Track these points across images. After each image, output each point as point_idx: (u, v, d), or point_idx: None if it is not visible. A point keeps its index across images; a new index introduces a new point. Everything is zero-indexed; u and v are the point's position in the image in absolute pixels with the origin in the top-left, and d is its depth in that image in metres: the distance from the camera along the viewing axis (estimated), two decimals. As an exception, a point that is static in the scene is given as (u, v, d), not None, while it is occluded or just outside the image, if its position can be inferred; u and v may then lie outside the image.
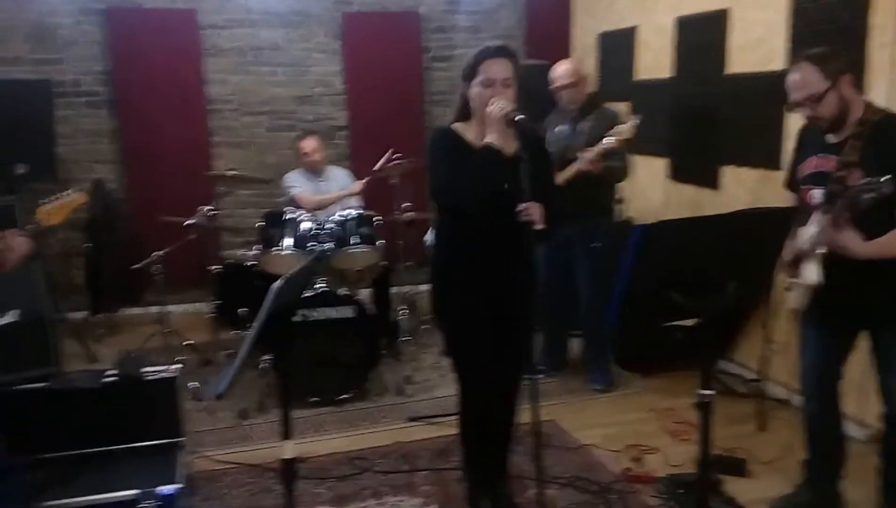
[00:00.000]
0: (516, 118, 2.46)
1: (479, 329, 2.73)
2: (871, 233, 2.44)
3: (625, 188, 5.21)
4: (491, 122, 2.50)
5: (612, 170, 3.93)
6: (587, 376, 4.34)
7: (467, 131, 2.66)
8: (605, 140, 3.80)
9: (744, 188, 4.39)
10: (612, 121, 3.87)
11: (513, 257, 2.59)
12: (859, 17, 3.50)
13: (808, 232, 2.62)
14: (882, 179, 2.24)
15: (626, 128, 3.78)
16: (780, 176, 4.04)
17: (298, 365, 3.95)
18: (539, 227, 2.44)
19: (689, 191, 4.90)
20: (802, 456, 3.12)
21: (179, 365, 3.25)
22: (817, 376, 2.80)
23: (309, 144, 4.82)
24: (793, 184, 2.84)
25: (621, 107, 4.71)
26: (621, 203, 5.18)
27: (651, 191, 5.28)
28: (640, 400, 4.13)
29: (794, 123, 3.95)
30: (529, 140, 2.53)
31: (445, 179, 2.59)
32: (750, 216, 2.28)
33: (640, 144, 5.27)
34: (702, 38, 4.67)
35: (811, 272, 2.62)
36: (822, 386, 2.82)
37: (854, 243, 2.43)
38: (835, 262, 2.54)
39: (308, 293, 4.02)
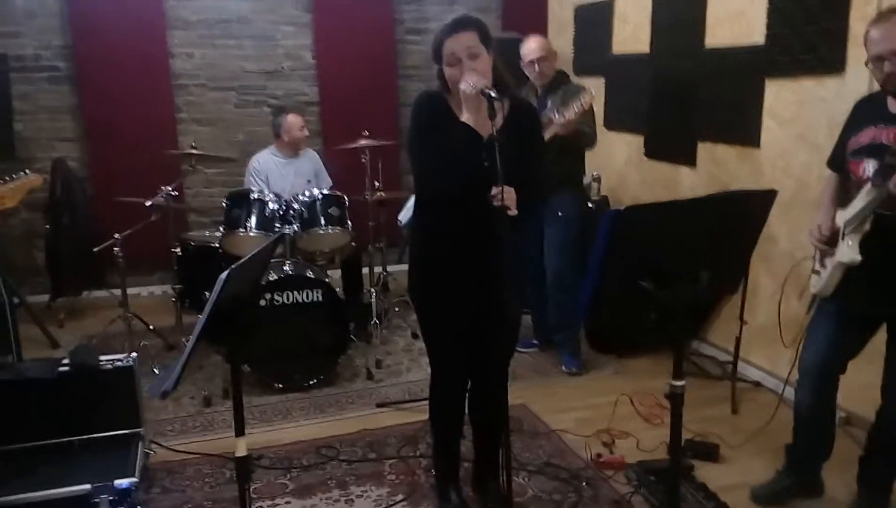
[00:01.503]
0: (492, 95, 2.29)
1: (454, 314, 2.64)
2: None
3: (600, 166, 5.14)
4: (465, 99, 2.38)
5: (582, 134, 3.88)
6: (558, 358, 4.26)
7: (454, 105, 2.54)
8: (571, 107, 3.73)
9: (721, 166, 4.31)
10: (577, 93, 3.79)
11: (490, 241, 2.49)
12: (840, -11, 3.40)
13: (853, 208, 2.53)
14: None
15: (584, 100, 3.71)
16: (759, 154, 4.01)
17: (264, 350, 3.85)
18: (512, 213, 2.34)
19: (665, 169, 4.81)
20: (775, 441, 3.09)
21: (136, 354, 3.13)
22: (821, 367, 2.72)
23: (296, 120, 4.65)
24: (836, 161, 2.73)
25: (596, 85, 4.60)
26: (598, 181, 5.10)
27: (626, 169, 5.19)
28: (613, 383, 4.06)
29: (773, 98, 3.88)
30: (513, 106, 2.42)
31: (426, 148, 2.48)
32: (727, 200, 2.18)
33: (616, 120, 5.22)
34: (680, 11, 4.55)
35: (850, 251, 2.53)
36: (822, 378, 2.74)
37: None
38: (875, 241, 2.46)
39: (274, 276, 3.91)
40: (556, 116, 3.72)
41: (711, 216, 2.15)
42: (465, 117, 2.40)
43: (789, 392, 3.00)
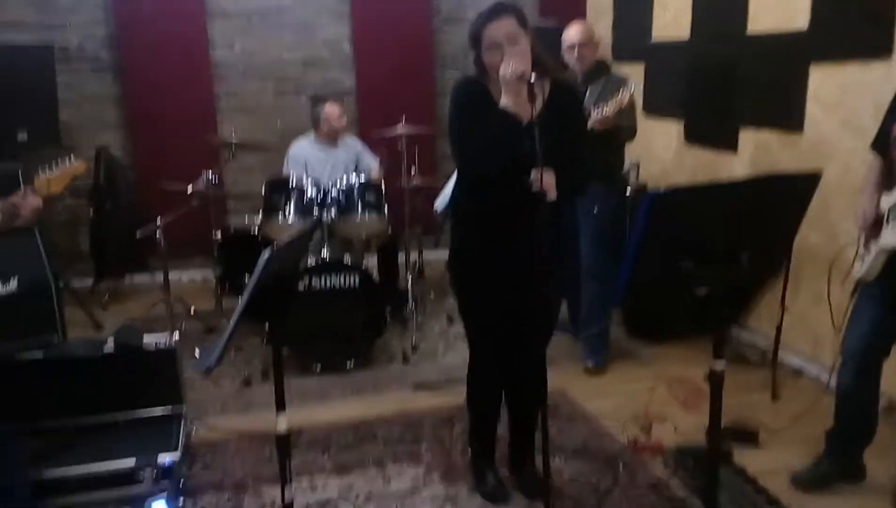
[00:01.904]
0: (531, 80, 2.30)
1: (494, 295, 2.65)
2: None
3: (639, 153, 5.09)
4: (504, 84, 2.39)
5: (619, 130, 3.82)
6: (581, 351, 4.17)
7: (494, 89, 2.54)
8: (611, 103, 3.68)
9: (763, 151, 4.24)
10: (618, 87, 3.73)
11: (528, 224, 2.49)
12: (890, -29, 3.32)
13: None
14: None
15: (624, 95, 3.64)
16: (802, 140, 3.94)
17: (303, 333, 3.90)
18: (552, 197, 2.33)
19: (706, 155, 4.75)
20: (816, 427, 3.04)
21: (177, 335, 3.19)
22: (863, 350, 2.69)
23: (334, 109, 4.68)
24: (880, 144, 2.69)
25: (626, 72, 4.54)
26: (636, 168, 5.05)
27: (666, 155, 5.13)
28: (651, 369, 4.04)
29: (817, 83, 3.81)
30: (555, 89, 2.41)
31: (467, 132, 2.50)
32: (768, 182, 2.13)
33: (656, 106, 5.17)
34: (721, -5, 4.49)
35: (893, 236, 2.51)
36: (866, 362, 2.71)
37: None
38: None
39: (312, 261, 3.96)
40: (594, 110, 3.67)
41: (752, 198, 2.12)
42: (504, 102, 2.40)
43: (831, 381, 2.95)
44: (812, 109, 3.88)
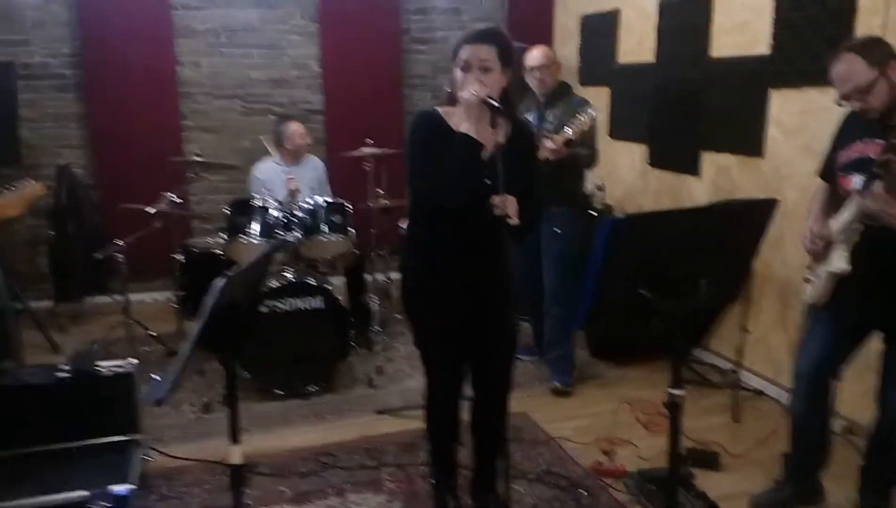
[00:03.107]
0: (492, 104, 2.32)
1: (448, 325, 2.63)
2: None
3: (604, 175, 5.13)
4: (466, 108, 2.39)
5: (577, 157, 3.81)
6: (547, 372, 4.15)
7: (452, 117, 2.53)
8: (565, 128, 3.70)
9: (725, 175, 4.29)
10: (575, 113, 3.75)
11: (486, 253, 2.49)
12: (846, -1, 3.39)
13: (841, 219, 2.53)
14: None
15: (583, 119, 3.68)
16: (763, 163, 3.99)
17: (265, 357, 3.84)
18: (513, 222, 2.33)
19: (669, 178, 4.80)
20: (776, 449, 3.06)
21: (135, 360, 3.13)
22: (814, 374, 2.71)
23: (298, 127, 4.69)
24: (827, 172, 2.73)
25: (592, 95, 4.58)
26: (602, 190, 5.09)
27: (631, 177, 5.18)
28: (614, 391, 4.04)
29: (777, 108, 3.86)
30: (513, 128, 2.42)
31: (423, 166, 2.47)
32: (726, 209, 2.17)
33: (621, 129, 5.21)
34: (685, 21, 4.55)
35: (839, 260, 2.54)
36: (816, 386, 2.73)
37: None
38: (864, 251, 2.46)
39: (276, 283, 3.91)
40: (546, 141, 3.65)
41: (711, 225, 2.15)
42: (465, 127, 2.40)
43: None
44: (773, 133, 3.93)
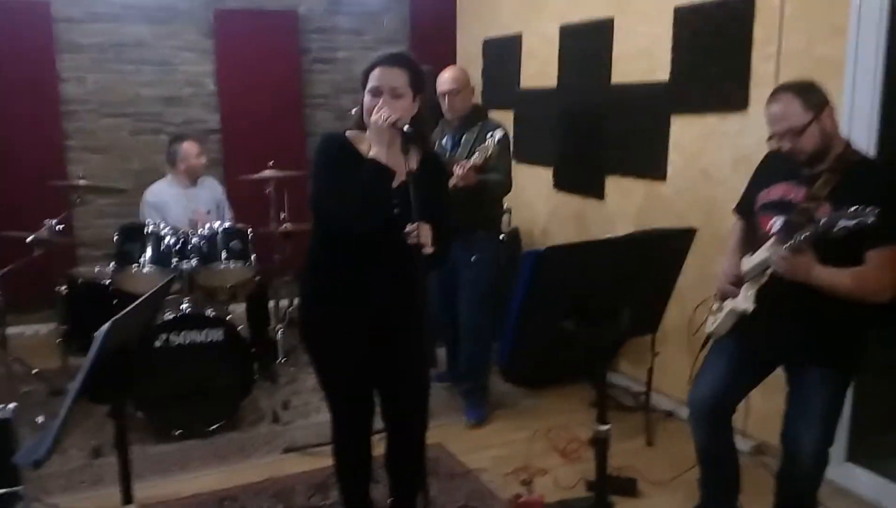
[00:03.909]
0: (403, 129, 2.25)
1: (352, 355, 2.50)
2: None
3: (510, 198, 5.12)
4: (375, 133, 2.29)
5: (487, 184, 3.73)
6: (461, 405, 4.06)
7: (361, 142, 2.42)
8: (473, 156, 3.66)
9: (629, 199, 4.36)
10: (480, 148, 3.70)
11: (396, 279, 2.38)
12: (743, 28, 3.49)
13: (756, 258, 2.52)
14: (867, 209, 2.11)
15: (487, 145, 3.65)
16: (665, 187, 4.07)
17: (160, 395, 3.58)
18: (428, 250, 2.23)
19: (574, 201, 4.84)
20: (691, 473, 3.06)
21: (14, 404, 2.83)
22: (710, 406, 2.67)
23: (192, 147, 4.45)
24: (744, 209, 2.72)
25: (505, 119, 4.58)
26: (508, 213, 5.07)
27: (536, 201, 5.20)
28: (528, 418, 3.99)
29: (678, 133, 3.96)
30: (423, 155, 2.33)
31: (328, 191, 2.35)
32: (647, 239, 2.15)
33: (525, 153, 5.23)
34: (587, 47, 4.61)
35: (745, 300, 2.54)
36: (713, 416, 2.70)
37: (814, 267, 2.30)
38: (772, 291, 2.45)
39: (171, 315, 3.66)
40: (456, 168, 3.58)
41: (632, 255, 2.12)
42: (374, 152, 2.30)
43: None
44: (674, 157, 4.02)
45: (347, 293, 2.45)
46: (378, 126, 2.27)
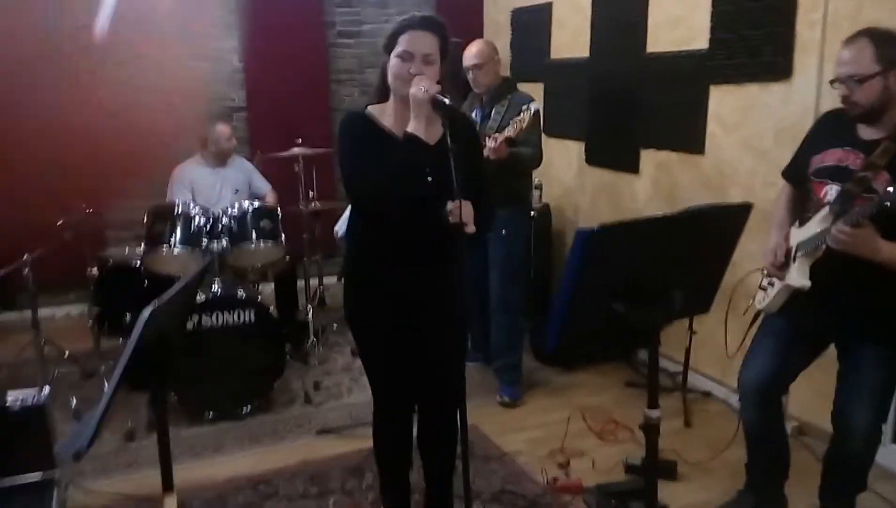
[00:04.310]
0: (444, 101, 2.15)
1: (396, 341, 2.44)
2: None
3: (540, 173, 5.01)
4: (415, 106, 2.19)
5: (518, 157, 3.63)
6: (496, 383, 3.99)
7: (383, 116, 2.34)
8: (506, 129, 3.55)
9: (664, 173, 4.24)
10: (518, 111, 3.60)
11: (437, 262, 2.31)
12: (786, -8, 3.35)
13: (810, 230, 2.42)
14: None
15: (521, 118, 3.54)
16: (703, 160, 3.95)
17: (192, 377, 3.56)
18: (470, 230, 2.15)
19: (607, 176, 4.72)
20: (732, 457, 3.00)
21: (48, 388, 2.82)
22: (761, 386, 2.59)
23: (224, 130, 4.43)
24: (795, 175, 2.60)
25: (534, 91, 4.45)
26: (539, 189, 4.97)
27: (567, 176, 5.09)
28: (563, 398, 3.94)
29: (717, 104, 3.82)
30: (459, 126, 2.23)
31: (362, 174, 2.26)
32: (700, 216, 2.05)
33: (556, 126, 5.11)
34: (621, 15, 4.47)
35: (799, 275, 2.43)
36: (765, 397, 2.62)
37: (877, 243, 2.20)
38: (827, 266, 2.36)
39: (202, 297, 3.63)
40: (488, 141, 3.49)
41: (686, 232, 2.02)
42: (412, 126, 2.21)
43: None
44: (713, 129, 3.89)
45: (387, 275, 2.39)
46: (419, 99, 2.18)
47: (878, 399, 2.43)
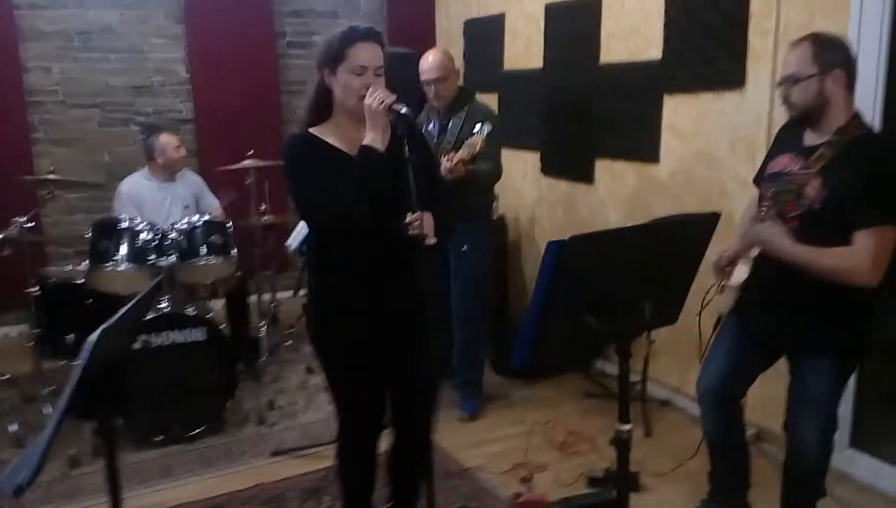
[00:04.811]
0: (401, 111, 2.12)
1: (363, 356, 2.36)
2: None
3: (496, 185, 4.98)
4: (371, 117, 2.14)
5: (478, 174, 3.56)
6: (455, 398, 3.90)
7: (328, 134, 2.27)
8: (461, 150, 3.48)
9: (620, 183, 4.24)
10: (480, 120, 3.54)
11: (401, 274, 2.25)
12: (739, 2, 3.37)
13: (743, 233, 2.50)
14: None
15: (475, 140, 3.46)
16: (658, 170, 3.96)
17: (139, 399, 3.41)
18: (431, 242, 2.10)
19: (562, 186, 4.71)
20: (693, 464, 2.99)
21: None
22: (718, 387, 2.60)
23: (171, 140, 4.26)
24: (757, 179, 2.66)
25: (489, 102, 4.40)
26: (494, 200, 4.93)
27: (523, 187, 5.06)
28: (522, 411, 3.89)
29: (671, 113, 3.84)
30: (412, 136, 2.18)
31: (324, 198, 2.17)
32: (670, 225, 2.04)
33: (511, 137, 5.08)
34: (574, 26, 4.47)
35: (741, 273, 2.48)
36: (723, 400, 2.63)
37: (777, 237, 2.27)
38: (766, 277, 2.39)
39: (150, 315, 3.49)
40: (443, 159, 3.41)
41: (656, 243, 2.00)
42: (370, 138, 2.16)
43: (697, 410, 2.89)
44: (667, 139, 3.90)
45: (356, 290, 2.31)
46: (374, 110, 2.13)
47: (824, 410, 2.44)
